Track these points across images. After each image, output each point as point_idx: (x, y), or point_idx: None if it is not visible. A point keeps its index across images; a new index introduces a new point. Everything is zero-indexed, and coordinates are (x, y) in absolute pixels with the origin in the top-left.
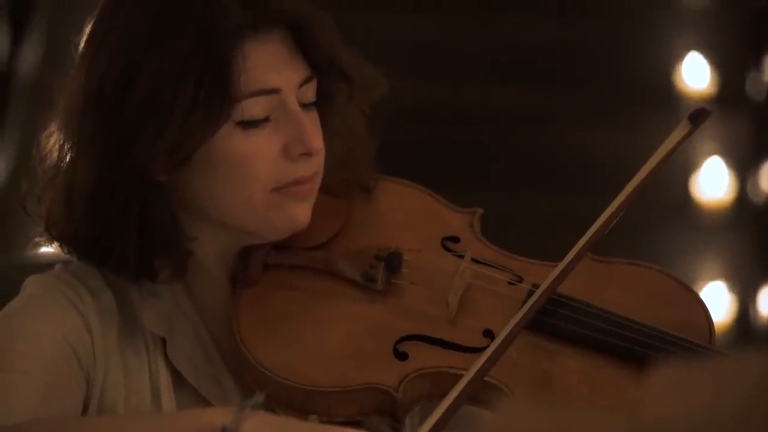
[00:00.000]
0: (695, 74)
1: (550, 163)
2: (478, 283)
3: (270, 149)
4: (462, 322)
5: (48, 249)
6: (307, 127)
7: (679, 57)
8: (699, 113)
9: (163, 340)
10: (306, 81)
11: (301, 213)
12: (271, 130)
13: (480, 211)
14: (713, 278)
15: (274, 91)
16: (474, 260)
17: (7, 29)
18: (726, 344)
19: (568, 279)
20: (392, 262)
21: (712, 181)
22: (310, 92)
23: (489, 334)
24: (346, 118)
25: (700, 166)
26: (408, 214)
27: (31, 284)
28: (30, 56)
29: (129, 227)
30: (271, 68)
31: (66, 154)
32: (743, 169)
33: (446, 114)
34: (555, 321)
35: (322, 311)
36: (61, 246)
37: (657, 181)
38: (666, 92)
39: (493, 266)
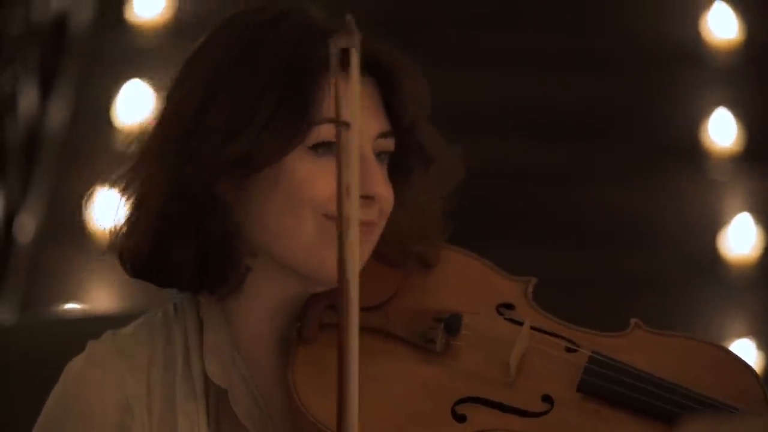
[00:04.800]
0: (722, 131)
1: (576, 220)
2: (538, 348)
3: (331, 178)
4: (521, 387)
5: (74, 305)
6: (374, 172)
7: (706, 114)
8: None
9: (223, 393)
10: (384, 135)
11: None
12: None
13: (534, 280)
14: (741, 335)
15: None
16: (532, 327)
17: (36, 89)
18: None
19: (627, 350)
20: (452, 324)
21: (741, 238)
22: (388, 146)
23: (548, 399)
24: (418, 195)
25: (729, 222)
26: (462, 281)
27: (72, 380)
28: (58, 115)
29: (188, 241)
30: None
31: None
32: None
33: (472, 170)
34: (618, 389)
35: (378, 371)
36: (122, 262)
37: (685, 238)
38: (693, 149)
39: (550, 334)
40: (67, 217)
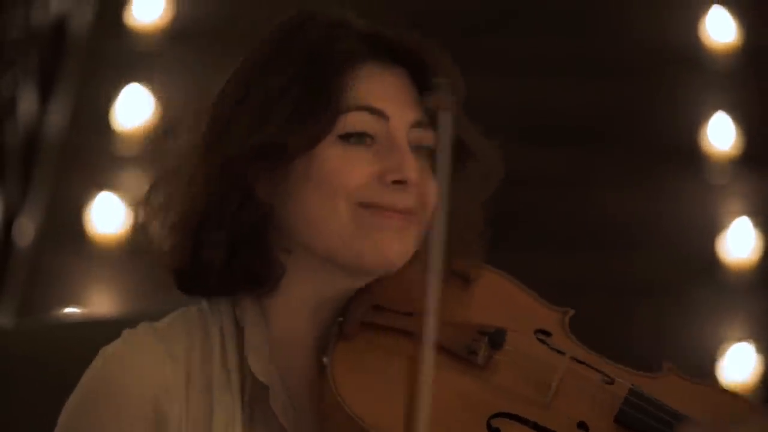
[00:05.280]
0: (721, 135)
1: (576, 223)
2: (577, 374)
3: (365, 167)
4: (557, 409)
5: (74, 309)
6: (409, 158)
7: (705, 118)
8: None
9: (259, 390)
10: (420, 124)
11: (392, 248)
12: (371, 153)
13: (571, 311)
14: (740, 339)
15: (381, 114)
16: (572, 358)
17: (35, 92)
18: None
19: (660, 392)
20: (496, 338)
21: (739, 241)
22: (426, 138)
23: (583, 426)
24: (459, 199)
25: (727, 226)
26: (501, 301)
27: (109, 362)
28: (58, 119)
29: (224, 241)
30: (383, 95)
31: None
32: None
33: None
34: (654, 424)
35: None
36: (159, 266)
37: (684, 242)
38: (692, 153)
39: (588, 366)
40: (66, 221)
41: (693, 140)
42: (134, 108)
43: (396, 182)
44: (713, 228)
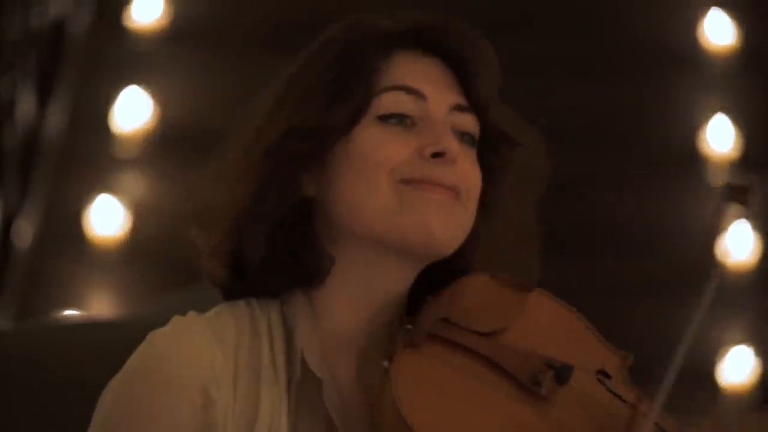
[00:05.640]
0: (720, 137)
1: (574, 226)
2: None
3: (403, 143)
4: None
5: (73, 311)
6: (448, 133)
7: (704, 120)
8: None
9: (306, 387)
10: (460, 107)
11: (435, 221)
12: (411, 133)
13: (631, 359)
14: (739, 342)
15: (419, 95)
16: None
17: (34, 94)
18: (751, 408)
19: None
20: (563, 373)
21: (738, 244)
22: (467, 123)
23: None
24: (506, 197)
25: (726, 229)
26: (567, 336)
27: (160, 344)
28: (56, 121)
29: (269, 239)
30: (420, 76)
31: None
32: None
33: None
34: None
35: (477, 397)
36: (205, 267)
37: (682, 244)
38: (691, 155)
39: (650, 420)
40: (65, 223)
41: (692, 142)
42: (133, 110)
43: (435, 155)
44: (712, 231)
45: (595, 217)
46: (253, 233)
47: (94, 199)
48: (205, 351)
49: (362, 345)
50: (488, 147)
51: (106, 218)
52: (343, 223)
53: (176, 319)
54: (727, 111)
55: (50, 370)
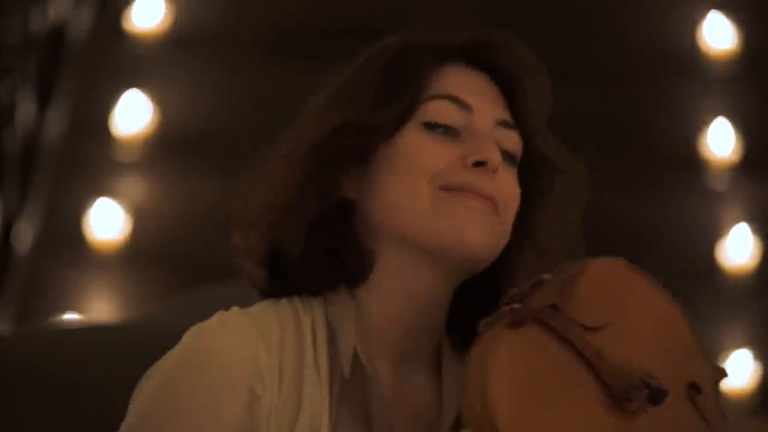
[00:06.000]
0: (721, 141)
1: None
2: None
3: (446, 150)
4: None
5: (72, 315)
6: (491, 144)
7: (705, 123)
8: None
9: (351, 386)
10: (505, 123)
11: (471, 229)
12: (455, 142)
13: (726, 374)
14: (738, 345)
15: (465, 106)
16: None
17: (34, 99)
18: (751, 412)
19: None
20: (657, 397)
21: (738, 248)
22: (510, 141)
23: None
24: (548, 222)
25: (726, 232)
26: (669, 340)
27: (206, 337)
28: (56, 125)
29: (309, 237)
30: (467, 88)
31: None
32: None
33: None
34: None
35: (564, 393)
36: (245, 268)
37: (683, 248)
38: (691, 159)
39: None
40: (65, 227)
41: (692, 146)
42: (133, 114)
43: (477, 164)
44: (712, 234)
45: (595, 219)
46: (292, 231)
47: (94, 202)
48: (251, 348)
49: (402, 349)
50: (529, 170)
51: (106, 222)
52: (380, 225)
53: (221, 314)
54: (727, 114)
55: (50, 375)
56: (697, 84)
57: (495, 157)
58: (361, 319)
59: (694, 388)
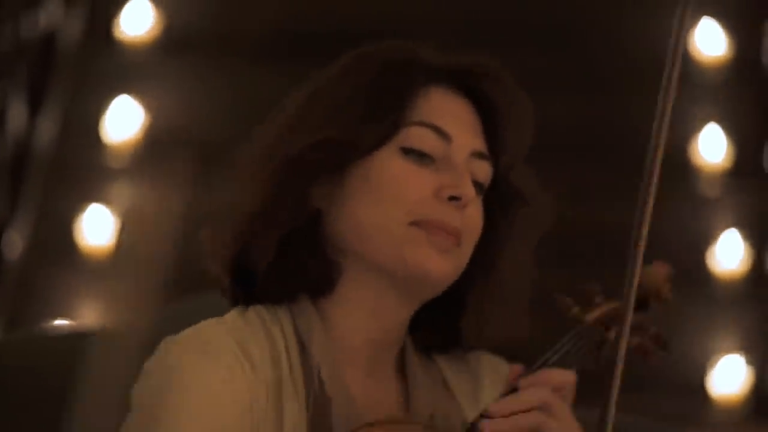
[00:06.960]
0: (711, 147)
1: (566, 237)
2: None
3: (423, 182)
4: None
5: (63, 321)
6: (467, 177)
7: (695, 130)
8: None
9: (322, 401)
10: (480, 155)
11: (433, 263)
12: (430, 171)
13: None
14: (730, 351)
15: (444, 135)
16: None
17: (25, 105)
18: (743, 417)
19: None
20: None
21: (729, 254)
22: (482, 172)
23: None
24: (507, 250)
25: (717, 238)
26: None
27: (187, 364)
28: (47, 132)
29: (275, 244)
30: (449, 117)
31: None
32: (760, 241)
33: None
34: None
35: None
36: (215, 274)
37: (674, 254)
38: (682, 165)
39: None
40: (56, 233)
41: (683, 153)
42: (124, 120)
43: (452, 198)
44: (703, 240)
45: (587, 227)
46: (262, 238)
47: (85, 208)
48: (239, 372)
49: (370, 358)
50: (497, 194)
51: (97, 228)
52: (348, 243)
53: (200, 338)
54: (719, 121)
55: (41, 380)
56: (689, 90)
57: (469, 193)
58: (328, 331)
59: None
